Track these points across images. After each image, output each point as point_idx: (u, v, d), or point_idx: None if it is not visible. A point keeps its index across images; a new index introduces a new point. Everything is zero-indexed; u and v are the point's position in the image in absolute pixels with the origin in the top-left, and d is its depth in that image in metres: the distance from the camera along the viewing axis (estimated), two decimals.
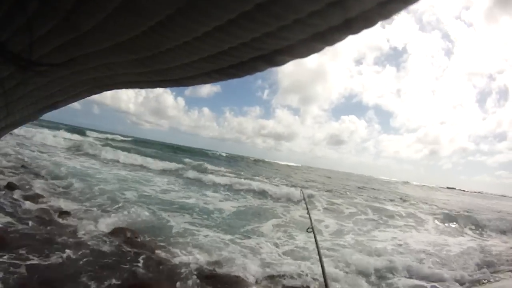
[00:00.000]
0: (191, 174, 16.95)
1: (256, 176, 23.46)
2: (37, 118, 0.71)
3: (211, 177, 16.57)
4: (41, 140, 19.50)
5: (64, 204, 6.93)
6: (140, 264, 4.66)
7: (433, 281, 5.87)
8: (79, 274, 4.03)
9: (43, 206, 6.34)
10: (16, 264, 3.87)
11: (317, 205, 13.27)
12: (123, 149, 24.97)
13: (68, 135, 27.65)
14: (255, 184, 15.53)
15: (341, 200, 15.43)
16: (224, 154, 49.91)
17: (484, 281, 6.18)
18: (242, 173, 25.08)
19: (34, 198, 6.80)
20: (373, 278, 5.88)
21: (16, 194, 6.72)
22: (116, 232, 5.67)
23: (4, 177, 8.10)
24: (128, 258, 4.80)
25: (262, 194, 14.06)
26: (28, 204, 6.15)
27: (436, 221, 13.30)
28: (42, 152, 14.94)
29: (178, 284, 4.38)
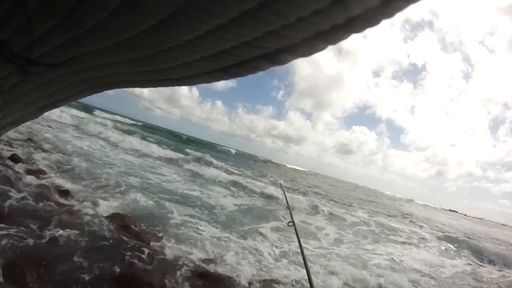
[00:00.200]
0: (198, 167, 16.97)
1: (263, 178, 23.39)
2: (38, 117, 0.74)
3: (221, 173, 16.48)
4: (51, 116, 19.77)
5: (65, 182, 7.00)
6: (133, 254, 4.65)
7: None
8: (71, 255, 4.06)
9: (44, 182, 6.37)
10: (9, 235, 3.90)
11: (321, 212, 13.41)
12: (132, 133, 25.33)
13: (78, 112, 28.13)
14: (262, 186, 15.54)
15: (344, 210, 15.47)
16: (233, 151, 49.91)
17: None
18: (248, 172, 25.02)
19: (36, 172, 6.85)
20: None
21: (19, 167, 6.79)
22: (114, 217, 5.65)
23: (10, 149, 8.21)
24: (123, 246, 4.80)
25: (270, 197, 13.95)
26: (29, 178, 6.20)
27: (436, 243, 13.26)
28: (50, 127, 15.18)
29: (169, 278, 4.38)
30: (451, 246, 12.97)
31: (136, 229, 5.60)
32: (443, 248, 12.64)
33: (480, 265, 10.87)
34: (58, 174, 7.54)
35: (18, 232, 4.06)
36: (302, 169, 64.61)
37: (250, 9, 0.31)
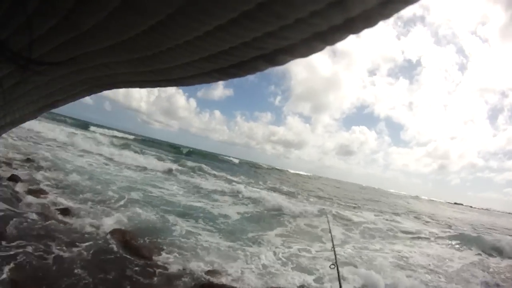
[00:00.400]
0: (199, 178, 16.78)
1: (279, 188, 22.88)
2: (37, 117, 0.72)
3: (241, 188, 15.82)
4: (49, 135, 19.68)
5: (65, 200, 6.96)
6: (135, 270, 4.60)
7: None
8: (72, 273, 4.01)
9: (44, 201, 6.35)
10: (11, 256, 3.87)
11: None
12: (130, 147, 25.24)
13: (75, 130, 28.09)
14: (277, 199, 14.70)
15: (350, 212, 15.37)
16: (236, 160, 48.96)
17: None
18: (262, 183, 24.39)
19: (36, 192, 6.82)
20: None
21: (19, 187, 6.77)
22: (114, 233, 5.59)
23: (9, 169, 8.18)
24: (124, 262, 4.75)
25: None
26: (29, 198, 6.17)
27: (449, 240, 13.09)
28: (49, 146, 15.10)
29: None
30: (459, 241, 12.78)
31: (138, 244, 5.53)
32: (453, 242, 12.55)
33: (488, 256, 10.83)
34: (58, 193, 7.49)
35: (19, 252, 4.02)
36: (305, 174, 64.12)
37: (248, 10, 0.32)
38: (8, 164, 8.72)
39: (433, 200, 69.47)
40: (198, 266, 5.24)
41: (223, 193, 14.15)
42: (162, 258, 5.33)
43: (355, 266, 7.08)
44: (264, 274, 5.66)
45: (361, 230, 11.85)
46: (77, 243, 4.83)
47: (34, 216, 5.28)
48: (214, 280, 4.91)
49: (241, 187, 16.08)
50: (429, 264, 8.55)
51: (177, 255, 5.60)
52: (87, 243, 4.93)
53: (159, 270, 4.82)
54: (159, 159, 21.64)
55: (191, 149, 48.09)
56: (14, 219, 4.94)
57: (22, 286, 3.38)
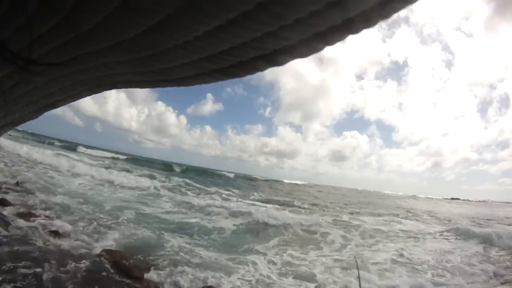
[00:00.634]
0: (195, 197, 16.49)
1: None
2: (37, 117, 0.71)
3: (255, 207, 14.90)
4: (39, 158, 19.27)
5: (54, 222, 6.73)
6: None
7: None
8: None
9: (34, 224, 6.16)
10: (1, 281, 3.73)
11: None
12: (122, 167, 24.86)
13: (67, 152, 27.51)
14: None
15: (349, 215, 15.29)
16: (231, 175, 47.83)
17: None
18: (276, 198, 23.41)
19: (26, 215, 6.63)
20: None
21: (8, 211, 6.57)
22: (105, 254, 5.42)
23: None
24: (114, 283, 4.62)
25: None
26: (20, 222, 5.99)
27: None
28: (38, 169, 14.74)
29: None
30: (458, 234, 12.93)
31: (129, 263, 5.37)
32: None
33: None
34: (48, 215, 7.26)
35: (9, 276, 3.88)
36: (301, 182, 63.70)
37: (248, 10, 0.32)
38: None
39: (430, 198, 69.59)
40: (191, 281, 5.14)
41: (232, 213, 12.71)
42: (153, 276, 5.20)
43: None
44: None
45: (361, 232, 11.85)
46: (67, 266, 4.67)
47: (24, 240, 5.13)
48: None
49: (253, 208, 14.14)
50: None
51: (170, 272, 5.47)
52: (77, 265, 4.78)
53: None
54: (152, 177, 21.27)
55: (185, 167, 46.99)
56: (3, 243, 4.79)
57: None
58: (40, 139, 36.36)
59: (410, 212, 23.17)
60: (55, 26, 0.43)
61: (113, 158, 38.19)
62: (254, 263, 6.76)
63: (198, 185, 21.73)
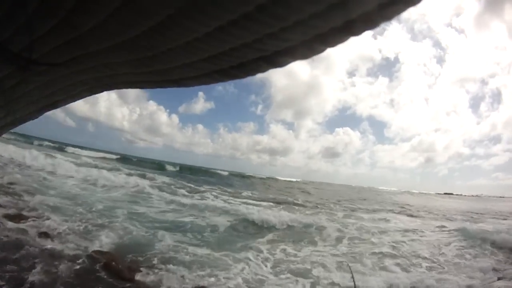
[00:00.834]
0: (190, 197, 16.38)
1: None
2: (38, 117, 0.70)
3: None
4: (28, 159, 18.83)
5: (44, 224, 6.65)
6: None
7: None
8: None
9: (23, 226, 6.07)
10: None
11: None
12: (114, 167, 24.54)
13: (58, 153, 27.03)
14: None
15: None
16: (225, 173, 47.12)
17: None
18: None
19: (16, 218, 6.49)
20: None
21: None
22: (95, 255, 5.34)
23: None
24: (103, 285, 4.56)
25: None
26: (9, 224, 5.88)
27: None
28: (28, 171, 14.43)
29: None
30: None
31: (119, 264, 5.28)
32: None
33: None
34: (38, 217, 7.10)
35: None
36: (295, 180, 63.89)
37: (248, 12, 0.31)
38: None
39: (423, 193, 70.55)
40: (182, 282, 5.13)
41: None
42: (144, 278, 5.16)
43: None
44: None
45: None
46: (56, 268, 4.62)
47: (13, 242, 5.06)
48: None
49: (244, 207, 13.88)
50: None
51: (161, 273, 5.43)
52: (66, 267, 4.72)
53: None
54: (144, 177, 21.05)
55: (178, 166, 46.20)
56: None
57: None
58: (30, 140, 35.54)
59: (404, 207, 23.57)
60: (55, 26, 0.43)
61: (103, 158, 37.52)
62: (248, 260, 6.81)
63: (191, 184, 21.49)
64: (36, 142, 37.39)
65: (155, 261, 5.88)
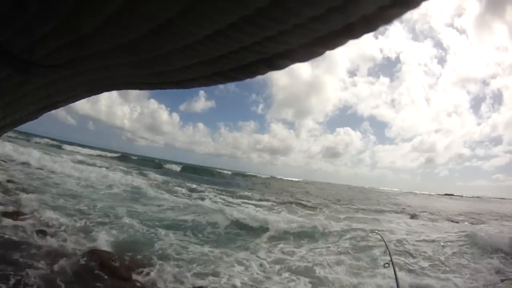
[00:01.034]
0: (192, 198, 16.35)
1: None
2: (37, 118, 0.70)
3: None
4: (28, 156, 18.82)
5: (42, 221, 6.63)
6: None
7: None
8: None
9: (21, 223, 6.05)
10: None
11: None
12: (114, 166, 24.46)
13: (57, 151, 27.04)
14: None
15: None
16: (229, 172, 46.47)
17: None
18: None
19: (13, 215, 6.48)
20: None
21: None
22: (92, 254, 5.27)
23: None
24: (99, 284, 4.52)
25: None
26: (6, 221, 5.88)
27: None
28: (27, 168, 14.42)
29: None
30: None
31: (116, 264, 5.21)
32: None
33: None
34: (36, 214, 7.05)
35: None
36: (297, 180, 63.57)
37: (247, 15, 0.31)
38: None
39: (424, 193, 70.13)
40: (179, 282, 5.10)
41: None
42: (141, 276, 5.14)
43: None
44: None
45: None
46: (53, 266, 4.60)
47: (10, 239, 5.07)
48: None
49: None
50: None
51: (158, 272, 5.39)
52: (63, 266, 4.69)
53: None
54: (143, 176, 21.03)
55: (179, 165, 45.62)
56: None
57: None
58: (29, 138, 35.49)
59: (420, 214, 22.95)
60: (55, 28, 0.43)
61: (104, 156, 37.48)
62: (248, 261, 6.74)
63: (193, 185, 21.25)
64: (36, 140, 37.36)
65: (152, 261, 5.83)
